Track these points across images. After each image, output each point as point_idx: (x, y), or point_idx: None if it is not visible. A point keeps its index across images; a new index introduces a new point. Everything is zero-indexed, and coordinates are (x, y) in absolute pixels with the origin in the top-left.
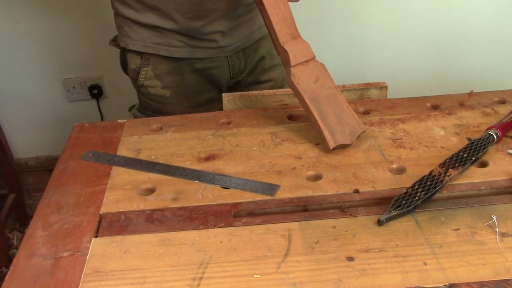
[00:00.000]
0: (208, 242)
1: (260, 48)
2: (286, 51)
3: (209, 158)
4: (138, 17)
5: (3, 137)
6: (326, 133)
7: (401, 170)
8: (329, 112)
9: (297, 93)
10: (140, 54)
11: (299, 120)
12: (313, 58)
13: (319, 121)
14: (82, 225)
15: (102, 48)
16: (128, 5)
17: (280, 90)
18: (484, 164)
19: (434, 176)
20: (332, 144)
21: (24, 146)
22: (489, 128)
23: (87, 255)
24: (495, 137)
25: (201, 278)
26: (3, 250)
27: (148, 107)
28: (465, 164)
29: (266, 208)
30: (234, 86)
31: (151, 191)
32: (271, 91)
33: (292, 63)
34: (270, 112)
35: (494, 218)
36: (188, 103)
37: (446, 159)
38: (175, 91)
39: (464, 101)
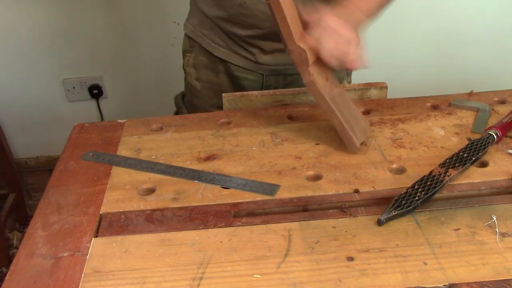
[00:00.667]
0: (208, 242)
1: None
2: (302, 49)
3: (209, 158)
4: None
5: (3, 137)
6: (351, 133)
7: (401, 170)
8: (345, 110)
9: (317, 94)
10: (190, 38)
11: (299, 120)
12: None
13: (343, 121)
14: (82, 225)
15: (102, 48)
16: None
17: (280, 90)
18: (484, 164)
19: (434, 176)
20: (357, 144)
21: (24, 146)
22: (489, 128)
23: (87, 255)
24: (495, 137)
25: (201, 278)
26: (3, 250)
27: (186, 94)
28: (465, 164)
29: (266, 208)
30: None
31: (151, 191)
32: (271, 91)
33: (310, 61)
34: (270, 112)
35: (494, 218)
36: (213, 102)
37: (446, 159)
38: (205, 86)
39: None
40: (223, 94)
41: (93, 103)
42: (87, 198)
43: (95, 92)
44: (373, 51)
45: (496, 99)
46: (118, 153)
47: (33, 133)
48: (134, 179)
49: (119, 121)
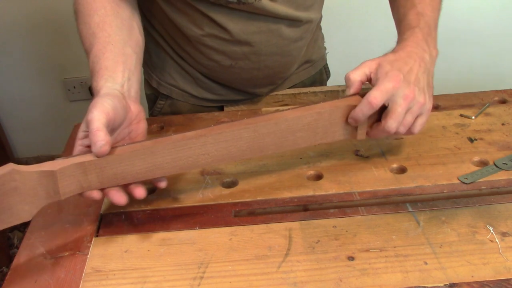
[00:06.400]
0: (208, 242)
1: None
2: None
3: None
4: None
5: (4, 137)
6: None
7: (401, 170)
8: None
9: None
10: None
11: None
12: None
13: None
14: (83, 225)
15: None
16: None
17: (281, 90)
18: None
19: None
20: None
21: (25, 145)
22: None
23: (87, 254)
24: None
25: (201, 278)
26: (4, 250)
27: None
28: None
29: (266, 208)
30: None
31: (151, 190)
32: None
33: None
34: (270, 112)
35: (491, 229)
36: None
37: None
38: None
39: (465, 100)
40: None
41: None
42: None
43: None
44: (374, 51)
45: (496, 98)
46: None
47: (34, 132)
48: None
49: None
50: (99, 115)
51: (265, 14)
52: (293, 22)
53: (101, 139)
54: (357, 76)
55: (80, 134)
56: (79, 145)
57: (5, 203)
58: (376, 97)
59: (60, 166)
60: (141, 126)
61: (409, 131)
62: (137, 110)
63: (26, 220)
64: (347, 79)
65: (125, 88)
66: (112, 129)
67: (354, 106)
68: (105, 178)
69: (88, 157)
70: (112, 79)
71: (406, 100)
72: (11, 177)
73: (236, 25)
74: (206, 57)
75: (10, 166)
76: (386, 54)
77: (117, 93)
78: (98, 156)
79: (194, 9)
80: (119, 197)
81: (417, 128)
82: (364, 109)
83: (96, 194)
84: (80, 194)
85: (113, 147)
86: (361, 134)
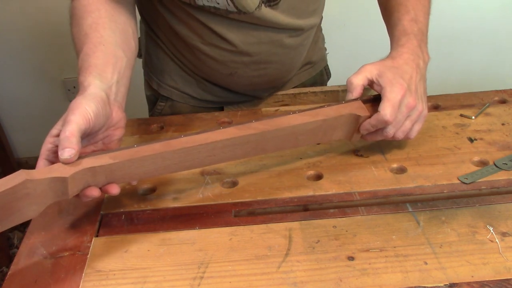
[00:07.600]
0: (208, 242)
1: None
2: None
3: None
4: None
5: (4, 137)
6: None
7: (401, 170)
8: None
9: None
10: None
11: None
12: None
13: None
14: (83, 225)
15: None
16: None
17: (281, 91)
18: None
19: None
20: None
21: (25, 145)
22: None
23: (87, 254)
24: None
25: (201, 278)
26: (4, 250)
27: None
28: None
29: (266, 208)
30: None
31: (151, 190)
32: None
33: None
34: (270, 112)
35: (491, 229)
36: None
37: None
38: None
39: (465, 100)
40: None
41: None
42: None
43: None
44: (375, 51)
45: (496, 98)
46: None
47: (34, 132)
48: None
49: None
50: (79, 119)
51: (266, 25)
52: (294, 31)
53: (71, 146)
54: (359, 81)
55: (54, 131)
56: (49, 143)
57: (16, 207)
58: (391, 114)
59: (72, 171)
60: (118, 133)
61: (406, 136)
62: (118, 117)
63: (33, 217)
64: (349, 83)
65: (113, 91)
66: (88, 134)
67: (357, 116)
68: (113, 178)
69: (99, 161)
70: (101, 77)
71: (407, 108)
72: (24, 186)
73: (236, 36)
74: (205, 65)
75: (23, 176)
76: (384, 60)
77: (103, 95)
78: (62, 162)
79: (194, 19)
80: (114, 188)
81: (414, 134)
82: (378, 125)
83: (96, 192)
84: (78, 196)
85: (121, 149)
86: (357, 137)
